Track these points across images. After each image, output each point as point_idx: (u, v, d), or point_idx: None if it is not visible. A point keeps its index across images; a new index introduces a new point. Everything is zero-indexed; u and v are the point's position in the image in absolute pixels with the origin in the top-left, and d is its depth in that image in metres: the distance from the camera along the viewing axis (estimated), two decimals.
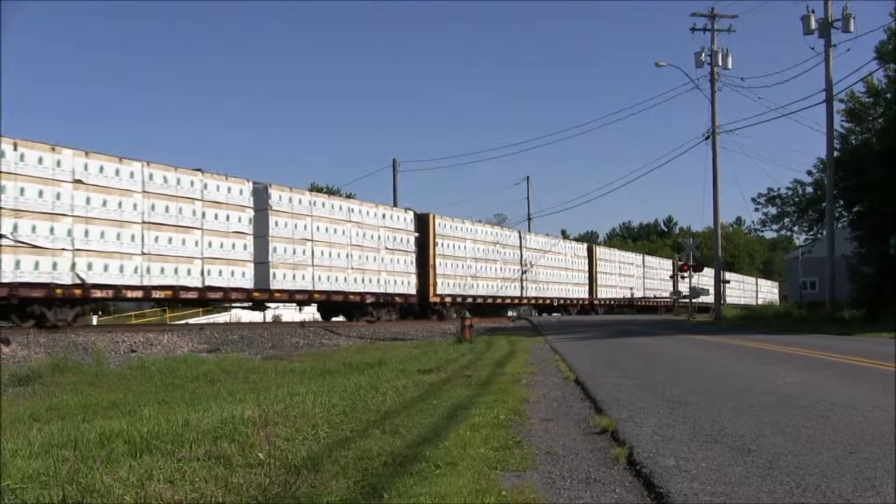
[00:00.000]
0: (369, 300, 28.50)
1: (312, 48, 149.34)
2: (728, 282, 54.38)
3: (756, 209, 35.10)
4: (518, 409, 6.95)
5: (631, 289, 53.75)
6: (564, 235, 70.74)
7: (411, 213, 31.72)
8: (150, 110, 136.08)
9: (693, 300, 42.34)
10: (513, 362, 12.33)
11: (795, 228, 35.19)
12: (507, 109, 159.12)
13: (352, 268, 27.50)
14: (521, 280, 39.48)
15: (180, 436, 5.65)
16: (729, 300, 53.05)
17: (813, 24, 27.33)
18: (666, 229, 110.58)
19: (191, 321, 34.17)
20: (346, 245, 27.34)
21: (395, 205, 41.08)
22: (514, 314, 23.47)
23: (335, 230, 26.91)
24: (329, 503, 3.97)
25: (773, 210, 34.18)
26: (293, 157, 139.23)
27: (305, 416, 6.61)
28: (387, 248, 29.36)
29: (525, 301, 40.77)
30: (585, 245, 50.39)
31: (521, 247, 40.07)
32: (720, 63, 35.53)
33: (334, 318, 29.82)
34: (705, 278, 53.38)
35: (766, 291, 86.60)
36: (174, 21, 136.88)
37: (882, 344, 15.85)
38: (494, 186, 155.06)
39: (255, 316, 30.08)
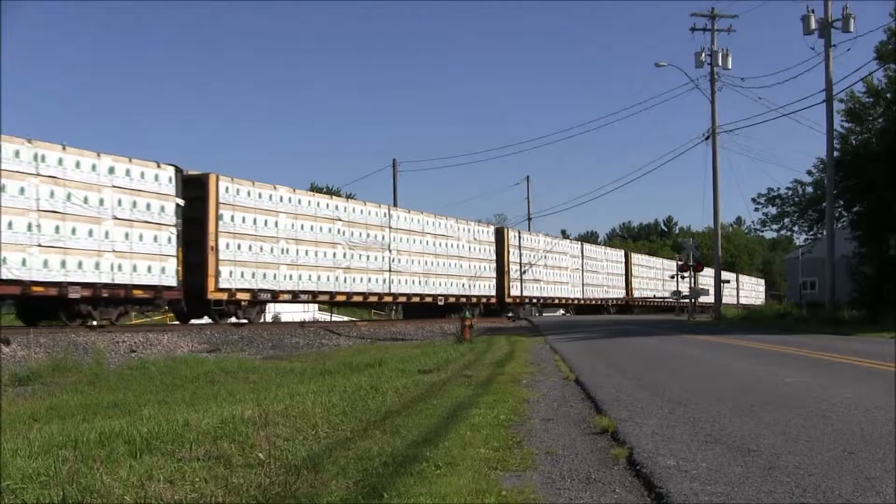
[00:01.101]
0: (77, 294, 19.51)
1: (312, 47, 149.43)
2: (728, 281, 54.00)
3: (756, 209, 35.23)
4: (518, 409, 6.95)
5: (564, 284, 45.92)
6: (564, 235, 70.22)
7: (171, 170, 22.07)
8: (148, 107, 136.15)
9: (680, 300, 41.95)
10: (513, 362, 12.33)
11: (795, 228, 35.34)
12: (507, 109, 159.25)
13: (40, 245, 18.45)
14: (389, 271, 31.58)
15: (180, 436, 5.65)
16: (705, 299, 47.09)
17: (813, 24, 27.36)
18: (666, 229, 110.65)
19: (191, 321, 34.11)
20: (31, 210, 18.29)
21: (394, 205, 39.63)
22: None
23: (5, 188, 17.88)
24: (329, 503, 3.97)
25: (773, 210, 34.31)
26: (293, 157, 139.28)
27: (305, 416, 6.61)
28: (117, 219, 20.33)
29: (391, 298, 32.12)
30: (492, 228, 40.42)
31: (387, 227, 31.41)
32: (720, 63, 35.61)
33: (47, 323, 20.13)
34: (702, 278, 50.38)
35: (750, 289, 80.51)
36: (174, 20, 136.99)
37: (882, 344, 15.85)
38: (494, 186, 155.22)
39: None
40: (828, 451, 4.83)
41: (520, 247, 41.17)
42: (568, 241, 52.03)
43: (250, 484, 4.30)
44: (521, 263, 40.91)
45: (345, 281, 28.66)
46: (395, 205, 39.37)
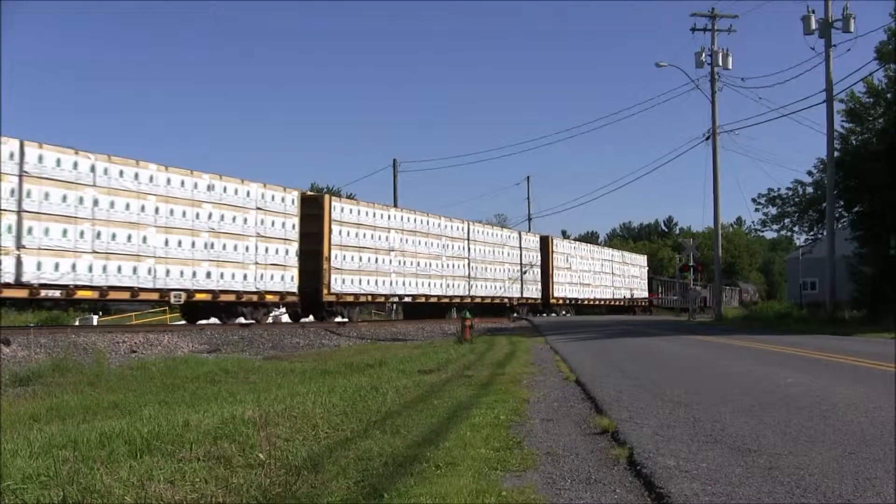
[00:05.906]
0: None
1: (312, 48, 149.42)
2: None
3: (756, 209, 35.23)
4: (519, 410, 6.94)
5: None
6: (565, 235, 70.13)
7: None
8: (149, 108, 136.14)
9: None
10: (513, 363, 12.31)
11: (796, 229, 35.38)
12: (507, 109, 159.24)
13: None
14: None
15: (181, 436, 5.65)
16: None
17: (813, 25, 27.36)
18: (666, 229, 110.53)
19: None
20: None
21: (395, 205, 40.16)
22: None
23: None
24: (329, 503, 3.97)
25: (773, 210, 34.35)
26: (293, 157, 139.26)
27: (306, 416, 6.61)
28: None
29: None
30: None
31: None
32: (720, 63, 35.57)
33: None
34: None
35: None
36: (174, 20, 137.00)
37: (882, 344, 15.83)
38: (494, 186, 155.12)
39: None
40: (828, 452, 4.83)
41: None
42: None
43: (250, 484, 4.30)
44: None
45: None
46: (395, 205, 39.89)
